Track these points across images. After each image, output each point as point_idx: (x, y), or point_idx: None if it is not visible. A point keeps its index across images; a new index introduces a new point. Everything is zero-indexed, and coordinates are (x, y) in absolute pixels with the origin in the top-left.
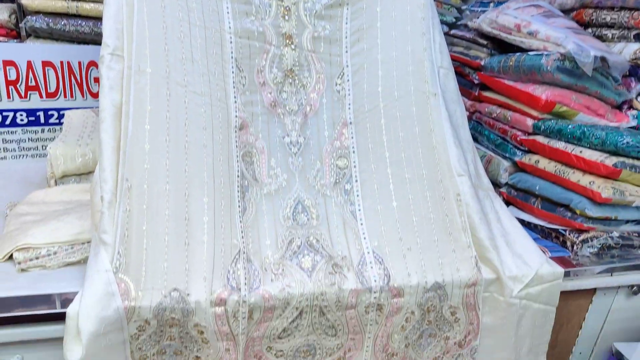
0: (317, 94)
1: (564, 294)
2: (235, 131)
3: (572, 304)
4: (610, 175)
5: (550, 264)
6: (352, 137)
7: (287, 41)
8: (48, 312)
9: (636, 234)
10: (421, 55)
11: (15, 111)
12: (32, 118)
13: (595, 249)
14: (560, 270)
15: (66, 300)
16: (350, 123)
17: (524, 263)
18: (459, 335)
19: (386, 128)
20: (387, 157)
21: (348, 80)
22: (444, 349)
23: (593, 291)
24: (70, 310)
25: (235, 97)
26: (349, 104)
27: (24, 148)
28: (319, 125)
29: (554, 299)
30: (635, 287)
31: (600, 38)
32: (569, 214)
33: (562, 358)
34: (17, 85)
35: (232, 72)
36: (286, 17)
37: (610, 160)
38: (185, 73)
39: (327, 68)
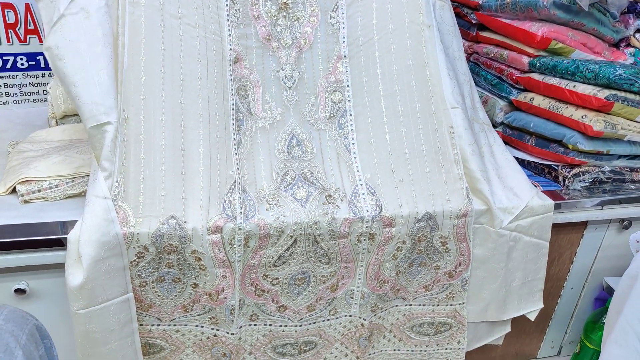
0: (312, 27)
1: (555, 228)
2: (230, 64)
3: (563, 238)
4: (602, 108)
5: (541, 197)
6: (346, 71)
7: None
8: (50, 237)
9: (628, 169)
10: None
11: (16, 55)
12: (33, 62)
13: (587, 183)
14: (550, 202)
15: (67, 227)
16: (345, 57)
17: (514, 195)
18: (449, 265)
19: (380, 61)
20: (381, 90)
21: (342, 13)
22: (434, 277)
23: (584, 225)
24: (71, 236)
25: (229, 30)
26: (343, 37)
27: (25, 93)
28: (313, 59)
29: (546, 233)
30: (626, 222)
31: None
32: (562, 149)
33: (554, 293)
34: (17, 29)
35: (226, 5)
36: None
37: (603, 94)
38: (179, 5)
39: (321, 1)
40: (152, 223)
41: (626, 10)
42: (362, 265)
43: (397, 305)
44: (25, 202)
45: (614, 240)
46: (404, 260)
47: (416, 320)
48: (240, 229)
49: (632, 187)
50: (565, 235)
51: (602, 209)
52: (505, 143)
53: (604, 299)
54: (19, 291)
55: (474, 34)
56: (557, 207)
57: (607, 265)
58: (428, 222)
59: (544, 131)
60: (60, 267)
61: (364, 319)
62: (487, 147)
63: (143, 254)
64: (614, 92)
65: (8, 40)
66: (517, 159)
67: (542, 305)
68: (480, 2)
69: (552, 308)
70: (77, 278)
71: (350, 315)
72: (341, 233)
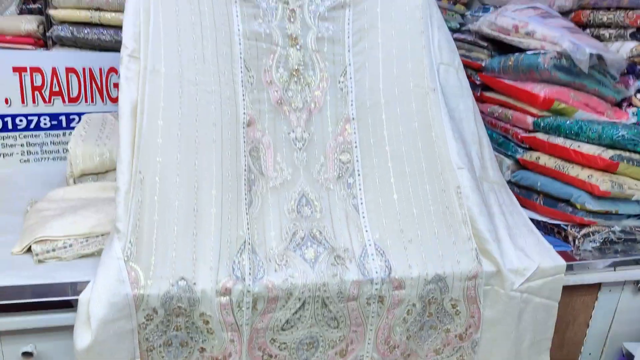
0: (321, 91)
1: (568, 290)
2: (243, 127)
3: (576, 301)
4: (608, 168)
5: (553, 257)
6: (354, 133)
7: (293, 42)
8: (61, 299)
9: (638, 229)
10: (420, 53)
11: (40, 115)
12: (55, 122)
13: (597, 244)
14: (562, 263)
15: (78, 288)
16: (353, 119)
17: (525, 256)
18: (459, 328)
19: (387, 123)
20: (388, 152)
21: (350, 78)
22: (444, 341)
23: (598, 287)
24: (82, 297)
25: (243, 95)
26: (352, 101)
27: (46, 151)
28: (323, 122)
29: (556, 294)
30: None
31: (599, 38)
32: (570, 209)
33: (572, 359)
34: (42, 91)
35: (241, 72)
36: (292, 20)
37: (607, 154)
38: (197, 72)
39: (330, 67)
40: (162, 285)
41: (625, 71)
42: (371, 330)
43: None
44: (40, 261)
45: (630, 303)
46: (414, 324)
47: None
48: (248, 291)
49: None
50: (579, 298)
51: (615, 270)
52: None
53: None
54: (27, 354)
55: (479, 94)
56: (569, 268)
57: (626, 329)
58: (438, 284)
59: (552, 190)
60: (69, 329)
61: None
62: (497, 207)
63: (152, 316)
64: (618, 152)
65: (34, 102)
66: None
67: None
68: (483, 64)
69: None
70: (85, 340)
71: None
72: (350, 295)
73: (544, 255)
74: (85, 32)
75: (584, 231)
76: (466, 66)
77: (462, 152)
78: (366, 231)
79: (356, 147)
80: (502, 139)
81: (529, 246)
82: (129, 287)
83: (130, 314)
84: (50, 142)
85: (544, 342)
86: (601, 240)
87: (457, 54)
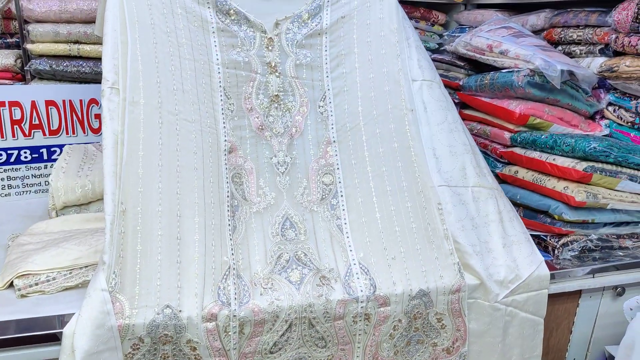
0: (302, 116)
1: (550, 298)
2: (225, 154)
3: (559, 308)
4: (582, 179)
5: (542, 268)
6: (336, 155)
7: (272, 69)
8: (46, 332)
9: (615, 236)
10: (397, 76)
11: (20, 149)
12: (36, 155)
13: (576, 252)
14: (545, 274)
15: (62, 321)
16: (334, 141)
17: (516, 268)
18: (446, 342)
19: (367, 144)
20: (370, 172)
21: (330, 102)
22: (432, 355)
23: (578, 294)
24: (66, 330)
25: (224, 122)
26: (332, 124)
27: (27, 184)
28: (304, 145)
29: (541, 310)
30: (619, 289)
31: (570, 54)
32: (549, 220)
33: None
34: (22, 125)
35: (221, 100)
36: (270, 48)
37: (581, 166)
38: (177, 102)
39: (310, 92)
40: (147, 313)
41: (596, 85)
42: (359, 347)
43: None
44: (22, 296)
45: (610, 308)
46: (401, 339)
47: None
48: (234, 316)
49: (621, 253)
50: (561, 305)
51: (593, 277)
52: None
53: None
54: None
55: (458, 112)
56: (551, 277)
57: (607, 333)
58: (422, 299)
59: (530, 202)
60: None
61: None
62: (496, 215)
63: (138, 345)
64: (591, 163)
65: (13, 135)
66: None
67: None
68: (461, 83)
69: None
70: None
71: None
72: (336, 315)
73: (533, 269)
74: (64, 64)
75: (562, 241)
76: (445, 85)
77: (444, 168)
78: (350, 250)
79: (338, 168)
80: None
81: (523, 256)
82: (113, 318)
83: (116, 347)
84: (32, 175)
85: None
86: (579, 249)
87: (436, 71)
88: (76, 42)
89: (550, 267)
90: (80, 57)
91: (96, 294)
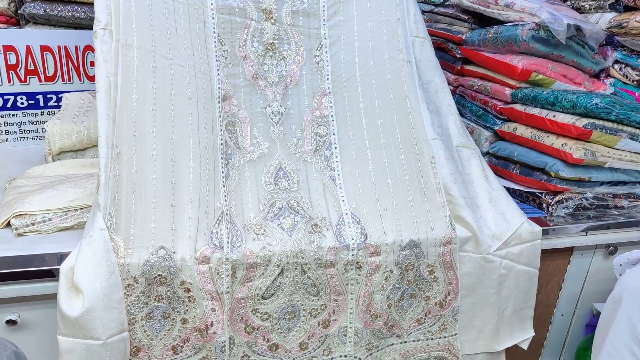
0: (297, 65)
1: (541, 254)
2: (219, 102)
3: (550, 264)
4: (581, 136)
5: (530, 223)
6: (330, 106)
7: (267, 16)
8: (42, 268)
9: (610, 195)
10: (395, 25)
11: (16, 95)
12: (32, 101)
13: (570, 210)
14: (538, 229)
15: (59, 259)
16: (329, 92)
17: (504, 220)
18: (439, 295)
19: (363, 96)
20: (364, 124)
21: (326, 52)
22: (425, 309)
23: (570, 251)
24: (63, 267)
25: (217, 69)
26: (328, 75)
27: (24, 131)
28: (299, 96)
29: (536, 261)
30: (611, 247)
31: (579, 9)
32: (545, 177)
33: (544, 320)
34: (17, 70)
35: (215, 46)
36: None
37: (581, 122)
38: (170, 47)
39: (305, 41)
40: (142, 254)
41: (604, 42)
42: (352, 298)
43: (392, 344)
44: (19, 235)
45: (601, 266)
46: (394, 292)
47: (412, 358)
48: (227, 259)
49: (616, 212)
50: (552, 262)
51: (586, 235)
52: None
53: (594, 325)
54: (10, 322)
55: (459, 68)
56: (543, 233)
57: (597, 291)
58: (413, 249)
59: (528, 160)
60: (50, 297)
61: (360, 359)
62: (481, 171)
63: (133, 286)
64: (592, 120)
65: (9, 81)
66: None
67: (533, 334)
68: (463, 37)
69: (544, 335)
70: (76, 309)
71: (345, 356)
72: (328, 262)
73: (522, 221)
74: (59, 9)
75: (557, 198)
76: (447, 40)
77: (436, 124)
78: (343, 201)
79: (333, 120)
80: (481, 112)
81: (509, 210)
82: (114, 256)
83: (117, 283)
84: (29, 122)
85: (527, 311)
86: (574, 207)
87: (426, 29)
88: None
89: (543, 223)
90: (75, 2)
91: (96, 233)
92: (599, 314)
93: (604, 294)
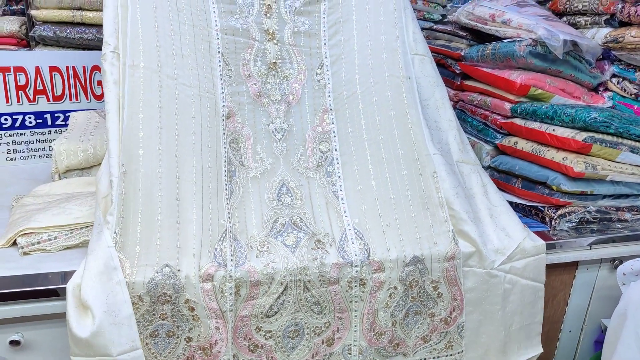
0: (299, 84)
1: (547, 268)
2: (223, 120)
3: (555, 279)
4: (581, 150)
5: (533, 238)
6: (332, 123)
7: (270, 37)
8: (47, 288)
9: (613, 208)
10: (394, 44)
11: (24, 114)
12: (40, 120)
13: (573, 223)
14: (541, 243)
15: (64, 277)
16: (331, 109)
17: (506, 236)
18: (444, 312)
19: (364, 113)
20: (366, 140)
21: (327, 70)
22: (430, 326)
23: (575, 266)
24: (69, 285)
25: (222, 88)
26: (329, 92)
27: (32, 149)
28: (301, 113)
29: (541, 275)
30: (617, 261)
31: (575, 25)
32: (547, 191)
33: (552, 337)
34: (27, 90)
35: (219, 66)
36: (268, 15)
37: (580, 136)
38: (175, 67)
39: (307, 60)
40: (147, 272)
41: (601, 56)
42: (356, 316)
43: None
44: (25, 254)
45: (607, 281)
46: (399, 309)
47: None
48: (230, 276)
49: (619, 226)
50: (558, 276)
51: (590, 249)
52: None
53: (603, 341)
54: (14, 343)
55: (459, 83)
56: (548, 247)
57: (604, 306)
58: (417, 265)
59: (529, 173)
60: (55, 317)
61: None
62: (481, 187)
63: (138, 304)
64: (591, 134)
65: (18, 101)
66: None
67: (541, 350)
68: (462, 53)
69: (552, 353)
70: (87, 328)
71: None
72: (331, 279)
73: (524, 235)
74: (68, 31)
75: (560, 212)
76: (446, 56)
77: (436, 139)
78: (346, 216)
79: (334, 136)
80: (481, 126)
81: (510, 226)
82: (121, 273)
83: (125, 299)
84: (36, 140)
85: (535, 327)
86: (577, 220)
87: (427, 45)
88: (79, 8)
89: (547, 237)
90: (83, 24)
91: (102, 250)
92: (607, 329)
93: (612, 310)
